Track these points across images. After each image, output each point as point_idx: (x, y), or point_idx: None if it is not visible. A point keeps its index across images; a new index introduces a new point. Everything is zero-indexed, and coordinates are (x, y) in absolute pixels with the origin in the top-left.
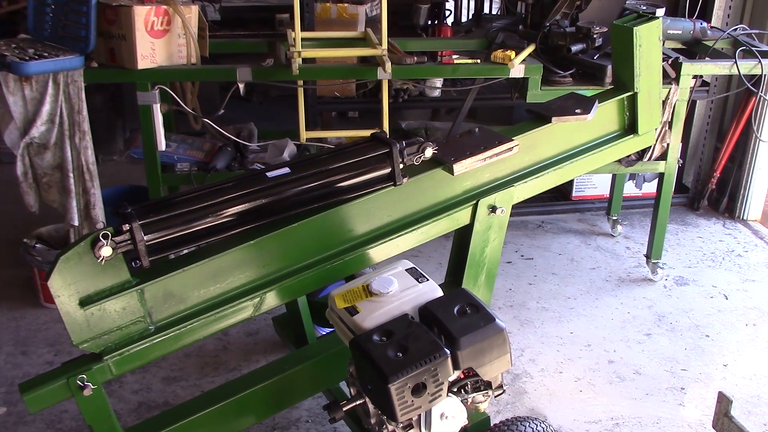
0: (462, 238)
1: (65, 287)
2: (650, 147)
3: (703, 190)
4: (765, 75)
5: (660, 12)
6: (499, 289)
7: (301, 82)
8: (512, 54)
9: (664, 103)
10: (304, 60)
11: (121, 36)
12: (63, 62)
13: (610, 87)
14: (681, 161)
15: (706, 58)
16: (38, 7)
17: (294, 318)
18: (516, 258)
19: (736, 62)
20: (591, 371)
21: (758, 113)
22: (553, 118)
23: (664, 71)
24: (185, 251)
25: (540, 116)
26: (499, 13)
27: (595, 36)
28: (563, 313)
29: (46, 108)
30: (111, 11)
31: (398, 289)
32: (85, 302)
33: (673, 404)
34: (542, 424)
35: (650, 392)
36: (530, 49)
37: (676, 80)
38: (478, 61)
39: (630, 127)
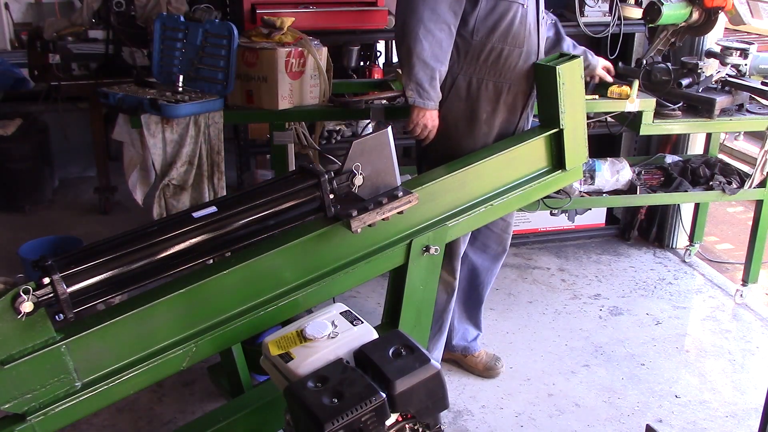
0: (397, 278)
1: None
2: (751, 175)
3: (633, 221)
4: None
5: (753, 48)
6: None
7: None
8: (628, 90)
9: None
10: None
11: (262, 78)
12: (207, 104)
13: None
14: None
15: None
16: (166, 51)
17: (229, 366)
18: None
19: None
20: (531, 405)
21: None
22: None
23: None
24: (117, 299)
25: None
26: None
27: (700, 71)
28: (502, 348)
29: (186, 150)
30: (251, 54)
31: (332, 334)
32: (6, 361)
33: None
34: None
35: (590, 424)
36: (637, 84)
37: None
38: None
39: (558, 162)
